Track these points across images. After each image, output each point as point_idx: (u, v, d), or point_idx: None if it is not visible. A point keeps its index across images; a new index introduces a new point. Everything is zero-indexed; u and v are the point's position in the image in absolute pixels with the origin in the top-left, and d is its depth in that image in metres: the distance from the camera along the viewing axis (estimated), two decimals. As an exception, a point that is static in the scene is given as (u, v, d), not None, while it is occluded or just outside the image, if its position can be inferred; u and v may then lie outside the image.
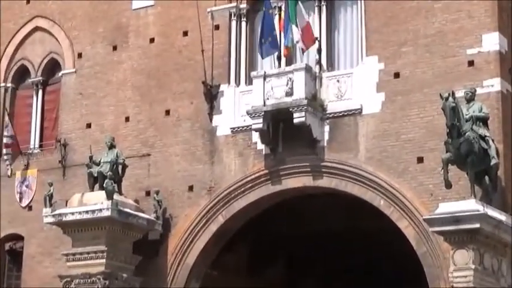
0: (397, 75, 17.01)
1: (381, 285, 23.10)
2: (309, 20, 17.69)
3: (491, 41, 16.19)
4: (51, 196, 18.42)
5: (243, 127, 18.14)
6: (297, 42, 17.68)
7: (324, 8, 18.11)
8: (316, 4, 18.14)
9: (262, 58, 18.07)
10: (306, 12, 17.80)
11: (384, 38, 17.21)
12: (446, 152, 15.19)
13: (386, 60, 17.11)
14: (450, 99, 14.98)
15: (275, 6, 18.19)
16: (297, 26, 17.49)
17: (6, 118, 20.74)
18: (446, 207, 14.90)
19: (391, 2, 17.24)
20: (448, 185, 15.17)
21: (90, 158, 18.49)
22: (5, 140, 20.50)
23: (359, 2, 17.72)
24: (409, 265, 17.51)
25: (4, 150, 20.64)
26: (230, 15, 18.80)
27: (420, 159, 16.49)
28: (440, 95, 15.22)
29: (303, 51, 17.80)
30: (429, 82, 16.63)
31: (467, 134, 15.06)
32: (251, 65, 18.62)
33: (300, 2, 17.53)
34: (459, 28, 16.54)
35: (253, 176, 17.90)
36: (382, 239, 18.68)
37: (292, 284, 22.12)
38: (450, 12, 16.65)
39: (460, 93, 15.59)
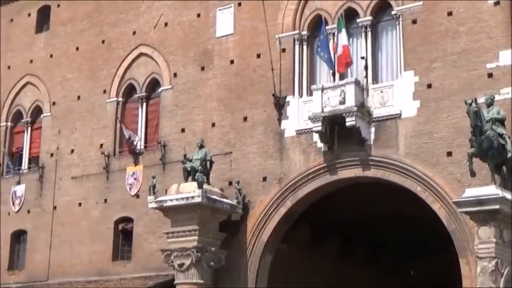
0: (429, 86, 17.26)
1: (418, 256, 23.15)
2: (348, 44, 17.46)
3: (507, 57, 16.42)
4: (154, 186, 18.84)
5: (305, 129, 18.46)
6: (331, 69, 17.64)
7: (369, 33, 18.44)
8: (363, 30, 18.53)
9: (318, 54, 17.90)
10: (350, 37, 17.77)
11: (418, 56, 17.42)
12: (471, 147, 15.51)
13: (420, 74, 17.35)
14: (473, 104, 15.27)
15: (329, 33, 18.56)
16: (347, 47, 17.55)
17: (123, 127, 21.07)
18: (471, 192, 15.18)
19: (424, 26, 17.46)
20: (473, 174, 15.52)
21: (185, 156, 18.98)
22: (131, 140, 20.69)
23: (398, 26, 17.98)
24: (441, 240, 17.70)
25: (137, 146, 20.58)
26: (294, 40, 19.18)
27: (449, 154, 16.75)
28: (465, 101, 15.56)
29: (339, 72, 17.83)
30: (456, 91, 16.85)
31: (487, 132, 15.32)
32: (311, 80, 18.93)
33: (344, 29, 17.62)
34: (480, 47, 16.76)
35: (314, 169, 18.26)
36: (419, 219, 18.84)
37: (345, 254, 22.46)
38: (473, 34, 16.89)
39: (481, 100, 15.84)
